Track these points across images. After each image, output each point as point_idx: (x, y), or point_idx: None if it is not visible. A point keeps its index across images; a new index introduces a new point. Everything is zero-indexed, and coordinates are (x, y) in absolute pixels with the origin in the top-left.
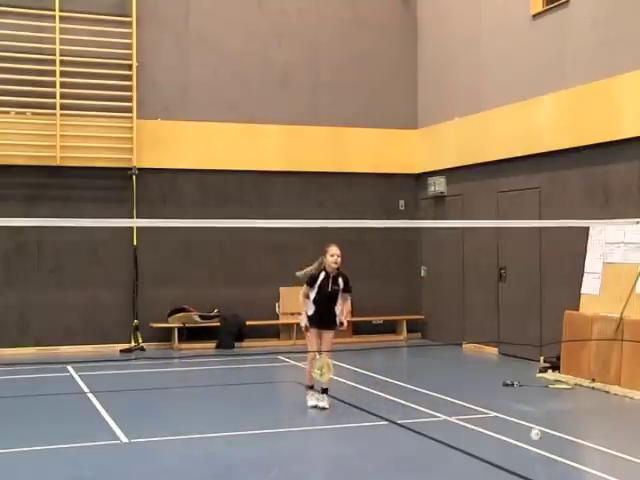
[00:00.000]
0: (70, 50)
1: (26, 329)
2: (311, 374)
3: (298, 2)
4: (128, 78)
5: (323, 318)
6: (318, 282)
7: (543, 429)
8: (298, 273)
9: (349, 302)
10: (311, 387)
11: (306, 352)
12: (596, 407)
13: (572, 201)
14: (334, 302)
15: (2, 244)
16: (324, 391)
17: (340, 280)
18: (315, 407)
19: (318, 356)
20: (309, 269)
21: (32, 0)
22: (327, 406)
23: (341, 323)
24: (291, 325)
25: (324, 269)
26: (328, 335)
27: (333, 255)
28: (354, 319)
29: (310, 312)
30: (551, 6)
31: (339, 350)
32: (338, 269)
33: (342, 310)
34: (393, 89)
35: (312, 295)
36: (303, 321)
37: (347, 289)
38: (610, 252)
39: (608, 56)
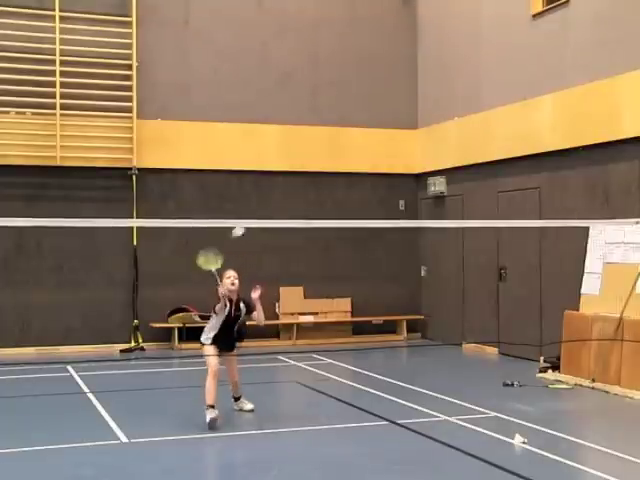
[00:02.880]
0: (70, 50)
1: (26, 329)
2: (210, 393)
3: (298, 2)
4: (128, 78)
5: (225, 341)
6: (226, 309)
7: (543, 429)
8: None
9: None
10: (211, 406)
11: (304, 352)
12: (596, 407)
13: (572, 201)
14: (235, 326)
15: (2, 244)
16: (237, 399)
17: (242, 305)
18: (214, 420)
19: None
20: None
21: (32, 0)
22: (252, 407)
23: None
24: (291, 325)
25: (226, 295)
26: (233, 357)
27: (230, 277)
28: (353, 319)
29: (212, 333)
30: (551, 6)
31: (339, 350)
32: (238, 294)
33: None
34: (393, 89)
35: (217, 322)
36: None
37: (250, 311)
38: (610, 252)
39: (608, 56)
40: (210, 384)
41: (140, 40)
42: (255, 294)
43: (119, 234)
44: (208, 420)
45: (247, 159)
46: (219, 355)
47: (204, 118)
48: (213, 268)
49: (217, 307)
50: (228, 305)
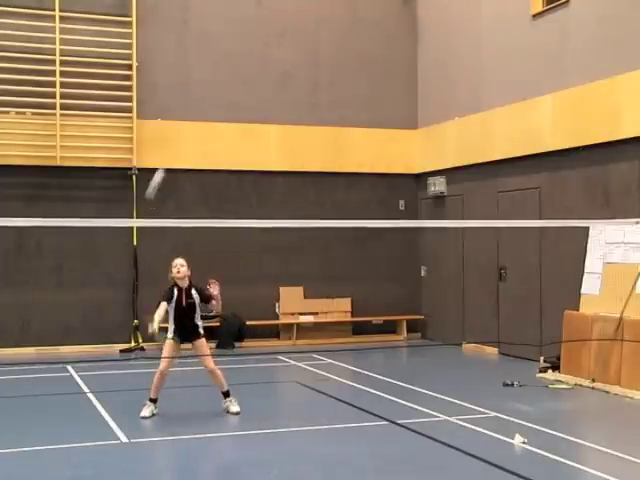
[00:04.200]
0: (70, 50)
1: (26, 329)
2: (158, 387)
3: (298, 2)
4: (128, 78)
5: (185, 331)
6: (174, 298)
7: (543, 429)
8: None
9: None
10: (153, 400)
11: (304, 352)
12: (596, 407)
13: (572, 201)
14: (193, 314)
15: (2, 244)
16: (225, 395)
17: (194, 292)
18: (145, 418)
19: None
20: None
21: (32, 0)
22: (238, 410)
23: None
24: (291, 325)
25: (175, 285)
26: (199, 344)
27: (175, 266)
28: (353, 319)
29: (171, 328)
30: (551, 6)
31: (339, 350)
32: (190, 282)
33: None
34: (393, 89)
35: (170, 312)
36: (154, 324)
37: (205, 299)
38: (610, 252)
39: (608, 56)
40: (155, 379)
41: (140, 40)
42: (214, 291)
43: (119, 234)
44: (141, 414)
45: (247, 159)
46: (181, 346)
47: (204, 118)
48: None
49: (162, 294)
50: (176, 293)
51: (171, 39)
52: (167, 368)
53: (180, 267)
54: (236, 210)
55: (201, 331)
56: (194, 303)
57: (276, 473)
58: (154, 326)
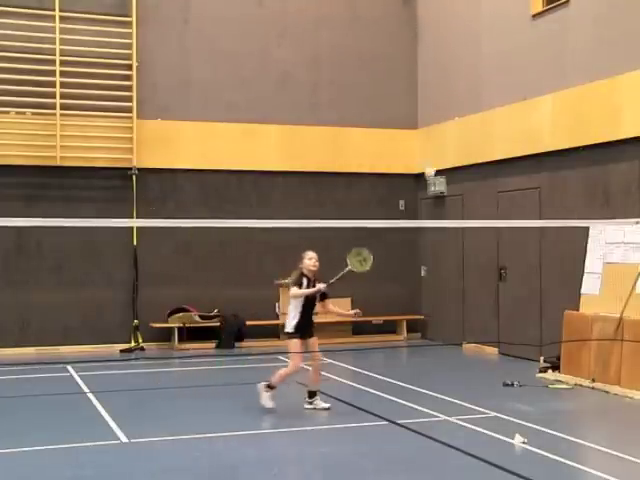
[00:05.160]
0: (70, 50)
1: (26, 329)
2: (279, 377)
3: (298, 2)
4: (128, 78)
5: (307, 326)
6: (304, 287)
7: (543, 429)
8: (286, 280)
9: (330, 305)
10: (272, 387)
11: (305, 352)
12: (596, 407)
13: (572, 201)
14: (313, 309)
15: (2, 244)
16: (312, 395)
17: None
18: (270, 408)
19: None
20: (290, 279)
21: (32, 0)
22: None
23: (356, 314)
24: None
25: (305, 275)
26: (313, 342)
27: (311, 259)
28: (354, 319)
29: (294, 321)
30: (551, 6)
31: (339, 350)
32: (315, 276)
33: (339, 312)
34: (393, 89)
35: (297, 305)
36: (318, 287)
37: (325, 295)
38: (610, 252)
39: (608, 56)
40: (284, 373)
41: (140, 40)
42: (349, 313)
43: (119, 234)
44: (266, 405)
45: (247, 159)
46: (302, 342)
47: (204, 118)
48: (358, 269)
49: (293, 281)
50: (305, 283)
51: (171, 39)
52: (300, 364)
53: (315, 261)
54: (236, 210)
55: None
56: (316, 297)
57: (276, 473)
58: (319, 287)
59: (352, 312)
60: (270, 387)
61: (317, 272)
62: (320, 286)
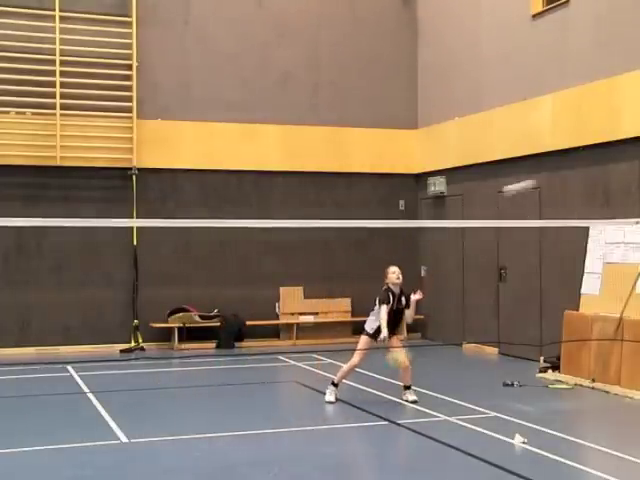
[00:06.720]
0: (70, 50)
1: (26, 329)
2: (344, 376)
3: (298, 2)
4: (128, 78)
5: (392, 333)
6: (390, 303)
7: (543, 429)
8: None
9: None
10: (336, 385)
11: (304, 352)
12: (596, 407)
13: (572, 201)
14: (401, 318)
15: (2, 244)
16: (407, 388)
17: (403, 299)
18: (331, 403)
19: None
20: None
21: (32, 0)
22: (415, 399)
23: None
24: (291, 325)
25: (390, 290)
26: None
27: (395, 272)
28: (353, 319)
29: (375, 325)
30: (551, 6)
31: (339, 350)
32: (401, 289)
33: (411, 314)
34: (393, 89)
35: (381, 313)
36: (384, 330)
37: (408, 305)
38: (610, 252)
39: (608, 56)
40: (346, 370)
41: (140, 40)
42: (416, 296)
43: (119, 234)
44: (327, 399)
45: (247, 159)
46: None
47: (204, 118)
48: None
49: (380, 298)
50: (391, 297)
51: (171, 39)
52: (360, 362)
53: (399, 274)
54: (236, 210)
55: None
56: (402, 308)
57: (276, 473)
58: (384, 333)
59: (418, 295)
60: (334, 384)
61: (401, 285)
62: (382, 336)
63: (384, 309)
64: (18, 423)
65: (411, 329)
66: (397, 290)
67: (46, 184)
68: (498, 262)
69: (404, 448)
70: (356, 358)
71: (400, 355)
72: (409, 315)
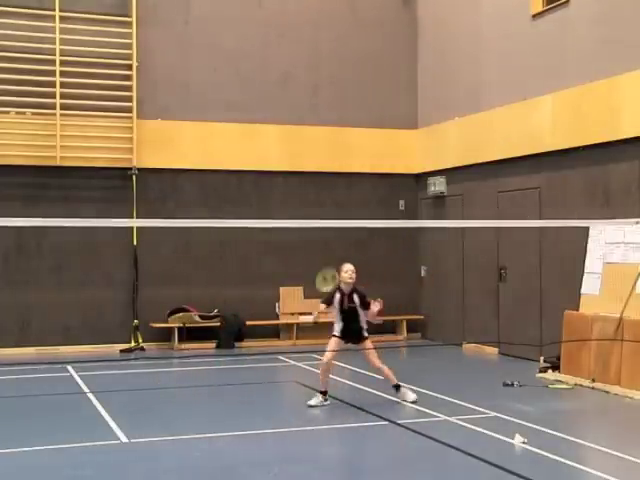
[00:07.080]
0: (70, 50)
1: (26, 329)
2: (323, 379)
3: (298, 2)
4: (128, 78)
5: (350, 333)
6: (336, 302)
7: (543, 429)
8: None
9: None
10: (323, 393)
11: (304, 352)
12: (596, 407)
13: (572, 201)
14: (357, 317)
15: (2, 244)
16: (397, 388)
17: (355, 297)
18: (312, 406)
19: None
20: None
21: (32, 0)
22: (415, 398)
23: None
24: (291, 325)
25: (339, 288)
26: (363, 345)
27: (347, 271)
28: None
29: (338, 327)
30: (551, 6)
31: (339, 350)
32: (354, 286)
33: (373, 315)
34: (393, 89)
35: (337, 314)
36: (314, 314)
37: (364, 305)
38: (610, 252)
39: (608, 56)
40: (320, 372)
41: (140, 40)
42: (376, 306)
43: (119, 234)
44: (309, 403)
45: (247, 159)
46: (347, 345)
47: (204, 118)
48: (324, 289)
49: (324, 298)
50: (338, 297)
51: (171, 39)
52: (331, 361)
53: (352, 273)
54: (236, 210)
55: (365, 334)
56: (354, 307)
57: (276, 473)
58: (315, 314)
59: (376, 306)
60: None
61: (354, 283)
62: (308, 318)
63: (321, 306)
64: (18, 423)
65: (411, 329)
66: (348, 289)
67: (46, 184)
68: (498, 262)
69: (404, 448)
70: (325, 358)
71: (328, 273)
72: (370, 315)
